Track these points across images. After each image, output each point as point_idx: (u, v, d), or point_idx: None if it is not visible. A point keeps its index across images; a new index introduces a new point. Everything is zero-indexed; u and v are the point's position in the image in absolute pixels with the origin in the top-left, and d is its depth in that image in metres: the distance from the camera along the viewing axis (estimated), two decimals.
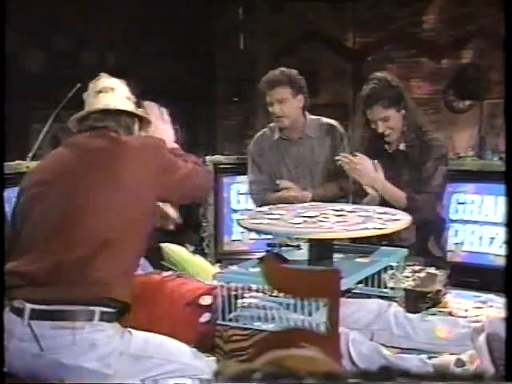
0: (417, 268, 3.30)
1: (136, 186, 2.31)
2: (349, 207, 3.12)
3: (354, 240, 3.10)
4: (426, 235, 3.59)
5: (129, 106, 2.55)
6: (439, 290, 3.26)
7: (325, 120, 3.91)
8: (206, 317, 2.78)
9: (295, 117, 3.81)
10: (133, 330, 2.31)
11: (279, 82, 3.75)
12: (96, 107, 2.49)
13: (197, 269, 3.35)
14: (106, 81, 2.57)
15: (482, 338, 2.58)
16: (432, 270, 3.28)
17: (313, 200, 3.60)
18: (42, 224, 2.29)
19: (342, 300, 2.40)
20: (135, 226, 2.31)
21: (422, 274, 3.26)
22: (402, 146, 3.53)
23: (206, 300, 2.83)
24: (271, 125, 3.95)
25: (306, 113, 3.87)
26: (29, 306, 2.18)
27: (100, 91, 2.52)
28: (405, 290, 3.14)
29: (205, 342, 2.71)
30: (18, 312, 2.19)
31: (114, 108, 2.48)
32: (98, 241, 2.23)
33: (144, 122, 2.62)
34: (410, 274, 3.25)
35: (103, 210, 2.27)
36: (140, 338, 2.30)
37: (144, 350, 2.27)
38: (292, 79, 3.77)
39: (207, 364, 2.39)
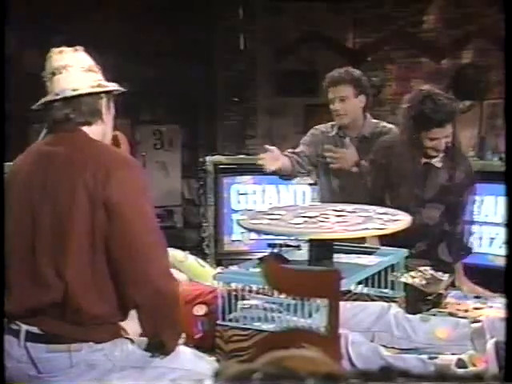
0: (422, 269, 3.30)
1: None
2: (349, 207, 3.12)
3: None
4: (435, 241, 3.58)
5: (90, 80, 2.20)
6: (440, 294, 3.26)
7: (383, 123, 3.90)
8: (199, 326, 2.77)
9: (355, 116, 3.83)
10: (134, 338, 2.25)
11: (343, 80, 3.77)
12: (51, 96, 2.22)
13: (192, 272, 3.31)
14: (56, 58, 2.24)
15: (490, 344, 2.58)
16: (438, 274, 3.28)
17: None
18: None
19: (343, 304, 2.41)
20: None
21: (428, 276, 3.27)
22: (436, 163, 3.46)
23: (200, 311, 2.82)
24: (331, 123, 3.96)
25: (367, 114, 3.88)
26: (24, 328, 2.13)
27: (53, 73, 2.22)
28: (407, 288, 3.14)
29: (205, 343, 2.71)
30: (14, 333, 2.14)
31: (70, 94, 2.17)
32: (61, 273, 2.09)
33: (112, 94, 2.29)
34: (415, 274, 3.26)
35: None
36: (141, 348, 2.23)
37: (146, 360, 2.21)
38: (356, 79, 3.79)
39: (209, 366, 2.36)
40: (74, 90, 2.18)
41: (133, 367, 2.18)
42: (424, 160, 3.44)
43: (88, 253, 2.08)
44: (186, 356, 2.31)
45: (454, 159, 3.43)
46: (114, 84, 2.30)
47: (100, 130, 2.27)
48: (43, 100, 2.24)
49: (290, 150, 3.90)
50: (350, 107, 3.80)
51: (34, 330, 2.12)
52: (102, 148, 2.22)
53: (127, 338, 2.24)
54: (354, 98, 3.79)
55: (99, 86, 2.23)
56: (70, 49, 2.27)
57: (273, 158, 3.60)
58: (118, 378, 2.14)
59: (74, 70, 2.21)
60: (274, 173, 3.80)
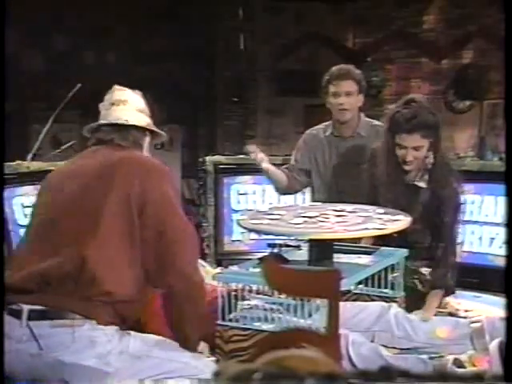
0: (423, 270, 3.30)
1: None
2: (349, 207, 3.12)
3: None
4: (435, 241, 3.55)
5: (141, 119, 2.53)
6: None
7: (377, 122, 3.91)
8: None
9: (354, 114, 3.84)
10: (132, 332, 2.31)
11: (349, 76, 3.79)
12: (105, 120, 2.51)
13: None
14: (118, 93, 2.57)
15: (494, 344, 2.58)
16: None
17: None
18: (50, 225, 2.32)
19: (343, 304, 2.40)
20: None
21: (428, 277, 3.27)
22: (419, 183, 3.33)
23: None
24: (326, 123, 3.96)
25: (361, 113, 3.90)
26: (26, 308, 2.19)
27: (112, 104, 2.53)
28: (407, 287, 3.15)
29: (204, 342, 2.71)
30: (16, 314, 2.19)
31: (122, 123, 2.48)
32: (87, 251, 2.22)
33: (156, 136, 2.62)
34: (415, 275, 3.26)
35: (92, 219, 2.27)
36: (139, 339, 2.30)
37: (143, 349, 2.27)
38: (359, 78, 3.82)
39: (206, 363, 2.39)
40: (126, 121, 2.49)
41: (130, 354, 2.24)
42: (407, 179, 3.34)
43: (117, 239, 2.25)
44: (183, 350, 2.36)
45: (435, 179, 3.30)
46: (161, 132, 2.63)
47: None
48: (96, 123, 2.53)
49: (285, 167, 3.96)
50: (353, 103, 3.81)
51: (37, 307, 2.19)
52: (142, 156, 2.52)
53: (125, 331, 2.30)
54: (356, 95, 3.81)
55: (147, 124, 2.56)
56: (131, 90, 2.59)
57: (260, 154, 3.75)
58: (116, 361, 2.20)
59: (130, 107, 2.53)
60: (275, 189, 3.99)
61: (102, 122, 2.52)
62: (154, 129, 2.59)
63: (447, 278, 3.25)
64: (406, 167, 3.26)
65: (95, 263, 2.21)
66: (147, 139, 2.57)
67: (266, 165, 3.77)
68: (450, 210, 3.27)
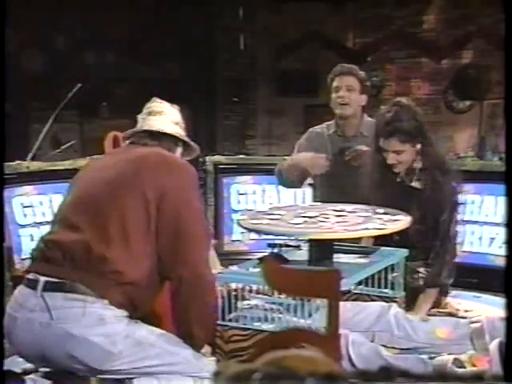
0: (421, 269, 3.30)
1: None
2: (349, 207, 3.12)
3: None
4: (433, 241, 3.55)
5: (174, 130, 2.62)
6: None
7: None
8: None
9: (356, 111, 3.83)
10: (139, 321, 2.36)
11: (352, 73, 3.79)
12: (141, 128, 2.62)
13: None
14: (156, 104, 2.67)
15: (494, 344, 2.58)
16: None
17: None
18: (81, 201, 2.42)
19: (343, 304, 2.40)
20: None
21: (426, 275, 3.27)
22: (414, 183, 3.32)
23: None
24: (329, 122, 3.95)
25: (364, 114, 3.89)
26: (42, 279, 2.26)
27: (149, 113, 2.64)
28: (406, 287, 3.15)
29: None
30: (32, 284, 2.27)
31: (157, 130, 2.58)
32: (113, 233, 2.31)
33: (189, 149, 2.68)
34: (415, 276, 3.26)
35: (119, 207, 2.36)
36: (145, 328, 2.35)
37: (148, 338, 2.32)
38: (362, 78, 3.82)
39: (206, 362, 2.41)
40: (160, 129, 2.59)
41: (135, 340, 2.29)
42: (398, 180, 3.32)
43: (135, 227, 2.33)
44: (185, 346, 2.38)
45: (428, 181, 3.27)
46: (194, 144, 2.68)
47: None
48: (134, 130, 2.62)
49: (288, 158, 3.91)
50: (354, 98, 3.80)
51: (53, 279, 2.26)
52: (164, 153, 2.55)
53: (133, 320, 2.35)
54: (359, 93, 3.80)
55: (180, 135, 2.64)
56: (169, 103, 2.70)
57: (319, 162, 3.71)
58: (122, 343, 2.25)
59: (166, 118, 2.63)
60: (278, 180, 3.88)
61: (136, 129, 2.63)
62: (187, 140, 2.66)
63: (441, 276, 3.25)
64: (394, 169, 3.27)
65: (114, 244, 2.30)
66: (179, 150, 2.64)
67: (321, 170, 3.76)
68: (445, 209, 3.27)
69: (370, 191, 3.35)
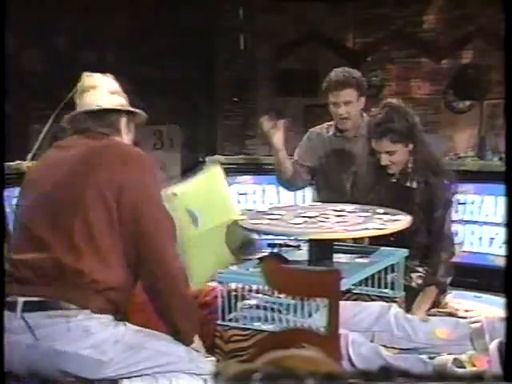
0: (420, 269, 3.30)
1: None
2: (349, 207, 3.12)
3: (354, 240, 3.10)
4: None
5: (113, 100, 2.48)
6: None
7: None
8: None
9: (355, 119, 3.82)
10: (127, 323, 2.32)
11: (348, 84, 3.74)
12: (78, 109, 2.48)
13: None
14: (87, 79, 2.52)
15: (494, 344, 2.58)
16: None
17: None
18: (35, 219, 2.32)
19: (343, 303, 2.40)
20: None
21: (425, 274, 3.27)
22: (409, 183, 3.34)
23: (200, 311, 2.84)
24: (330, 122, 3.94)
25: (364, 113, 3.87)
26: (21, 300, 2.21)
27: (83, 91, 2.50)
28: (406, 287, 3.15)
29: (204, 342, 2.71)
30: (11, 306, 2.21)
31: (94, 108, 2.44)
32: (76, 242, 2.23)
33: (135, 116, 2.54)
34: (413, 275, 3.26)
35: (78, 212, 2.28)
36: (134, 330, 2.31)
37: (139, 340, 2.28)
38: (358, 82, 3.77)
39: (201, 359, 2.40)
40: (98, 106, 2.44)
41: (126, 344, 2.25)
42: (393, 180, 3.36)
43: (100, 228, 2.25)
44: (177, 345, 2.36)
45: (422, 181, 3.30)
46: (137, 110, 2.53)
47: None
48: (71, 113, 2.48)
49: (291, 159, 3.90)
50: (353, 111, 3.79)
51: (32, 299, 2.21)
52: (118, 143, 2.46)
53: (122, 322, 2.31)
54: (356, 101, 3.78)
55: (121, 105, 2.49)
56: (99, 74, 2.54)
57: (275, 126, 3.65)
58: (112, 350, 2.21)
59: (101, 91, 2.48)
60: (277, 179, 3.88)
61: (74, 112, 2.48)
62: (130, 109, 2.52)
63: (437, 275, 3.25)
64: (388, 170, 3.29)
65: (83, 253, 2.23)
66: (124, 121, 2.50)
67: (277, 140, 3.69)
68: (439, 207, 3.28)
69: (365, 193, 3.36)
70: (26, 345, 2.19)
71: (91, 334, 2.20)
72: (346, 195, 3.56)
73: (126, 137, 2.51)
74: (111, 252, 2.27)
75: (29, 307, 2.21)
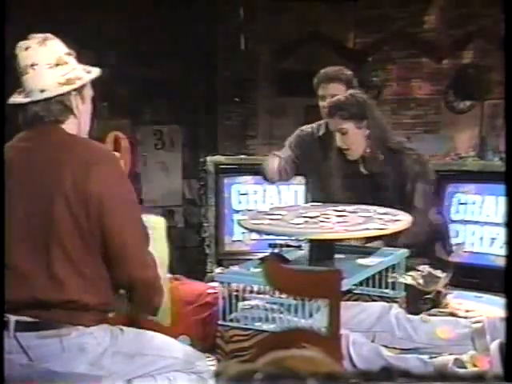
0: (421, 267, 3.30)
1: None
2: (350, 207, 3.12)
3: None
4: (431, 239, 3.56)
5: (56, 77, 2.17)
6: (439, 292, 3.26)
7: None
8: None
9: None
10: (124, 327, 2.29)
11: (337, 79, 3.80)
12: (20, 98, 2.21)
13: None
14: (22, 55, 2.19)
15: (494, 345, 2.58)
16: (436, 272, 3.27)
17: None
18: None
19: (344, 303, 2.40)
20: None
21: (426, 273, 3.26)
22: (374, 169, 3.43)
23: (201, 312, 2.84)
24: (319, 122, 3.95)
25: None
26: (13, 319, 2.14)
27: (21, 73, 2.18)
28: (406, 287, 3.15)
29: (205, 342, 2.71)
30: (3, 325, 2.15)
31: (37, 98, 2.15)
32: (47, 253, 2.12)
33: (85, 86, 2.26)
34: (413, 274, 3.26)
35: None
36: (131, 335, 2.27)
37: (136, 347, 2.24)
38: (348, 79, 3.81)
39: (199, 358, 2.40)
40: (42, 91, 2.16)
41: (123, 353, 2.21)
42: (354, 168, 3.48)
43: (75, 245, 2.11)
44: (175, 345, 2.36)
45: (382, 166, 3.41)
46: (85, 72, 2.25)
47: (74, 126, 2.26)
48: (12, 101, 2.22)
49: (276, 153, 3.91)
50: None
51: (24, 319, 2.14)
52: (77, 142, 2.23)
53: (117, 326, 2.27)
54: None
55: (67, 81, 2.19)
56: (36, 41, 2.20)
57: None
58: (110, 363, 2.17)
59: (41, 68, 2.17)
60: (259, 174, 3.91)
61: (15, 100, 2.21)
62: (77, 83, 2.20)
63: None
64: (348, 157, 3.44)
65: (68, 282, 2.12)
66: (74, 95, 2.21)
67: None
68: (407, 182, 3.37)
69: (336, 188, 3.44)
70: (20, 364, 2.13)
71: (87, 351, 2.14)
72: (333, 196, 3.57)
73: (81, 110, 2.24)
74: (91, 270, 2.15)
75: (20, 327, 2.13)
